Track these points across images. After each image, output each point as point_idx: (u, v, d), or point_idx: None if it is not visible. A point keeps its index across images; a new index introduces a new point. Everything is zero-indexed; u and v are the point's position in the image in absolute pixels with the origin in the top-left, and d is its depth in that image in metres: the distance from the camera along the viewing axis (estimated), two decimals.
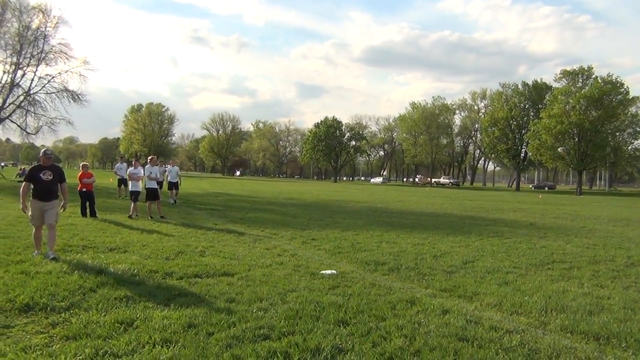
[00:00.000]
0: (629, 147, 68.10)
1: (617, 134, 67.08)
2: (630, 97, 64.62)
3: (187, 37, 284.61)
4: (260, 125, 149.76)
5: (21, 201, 8.46)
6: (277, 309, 5.59)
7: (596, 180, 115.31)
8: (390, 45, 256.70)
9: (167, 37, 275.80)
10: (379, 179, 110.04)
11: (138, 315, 5.23)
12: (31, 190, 8.40)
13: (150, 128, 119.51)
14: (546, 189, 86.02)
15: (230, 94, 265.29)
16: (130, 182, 15.71)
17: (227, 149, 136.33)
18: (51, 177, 8.41)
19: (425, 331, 5.03)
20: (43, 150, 8.75)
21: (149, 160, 16.42)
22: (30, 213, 8.39)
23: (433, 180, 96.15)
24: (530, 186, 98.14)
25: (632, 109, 66.20)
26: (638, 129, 66.60)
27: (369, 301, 6.07)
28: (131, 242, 10.11)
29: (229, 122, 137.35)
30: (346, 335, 4.83)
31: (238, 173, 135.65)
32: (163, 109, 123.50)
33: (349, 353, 4.39)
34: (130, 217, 14.42)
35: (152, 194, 15.24)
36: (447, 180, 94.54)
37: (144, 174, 15.66)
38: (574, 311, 5.96)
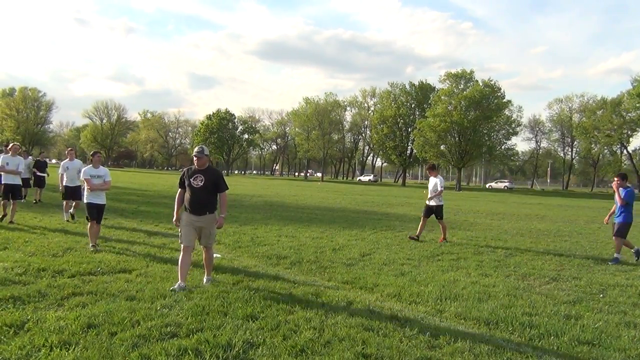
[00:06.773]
0: (503, 147, 74.01)
1: (493, 134, 72.65)
2: (505, 100, 70.30)
3: (69, 17, 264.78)
4: (148, 115, 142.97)
5: None
6: (183, 306, 5.44)
7: (472, 177, 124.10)
8: (284, 39, 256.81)
9: (46, 17, 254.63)
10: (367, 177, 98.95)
11: (29, 317, 4.84)
12: None
13: (25, 114, 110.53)
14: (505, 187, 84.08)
15: (115, 81, 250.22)
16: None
17: (112, 139, 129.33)
18: None
19: (333, 322, 5.15)
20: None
21: (8, 148, 12.59)
22: None
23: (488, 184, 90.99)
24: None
25: (506, 112, 72.10)
26: (510, 130, 72.76)
27: (275, 295, 6.10)
28: (11, 238, 9.31)
29: (114, 111, 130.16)
30: (256, 329, 4.81)
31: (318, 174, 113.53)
32: (39, 94, 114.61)
33: (260, 347, 4.38)
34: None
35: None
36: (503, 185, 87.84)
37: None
38: (465, 299, 6.41)
